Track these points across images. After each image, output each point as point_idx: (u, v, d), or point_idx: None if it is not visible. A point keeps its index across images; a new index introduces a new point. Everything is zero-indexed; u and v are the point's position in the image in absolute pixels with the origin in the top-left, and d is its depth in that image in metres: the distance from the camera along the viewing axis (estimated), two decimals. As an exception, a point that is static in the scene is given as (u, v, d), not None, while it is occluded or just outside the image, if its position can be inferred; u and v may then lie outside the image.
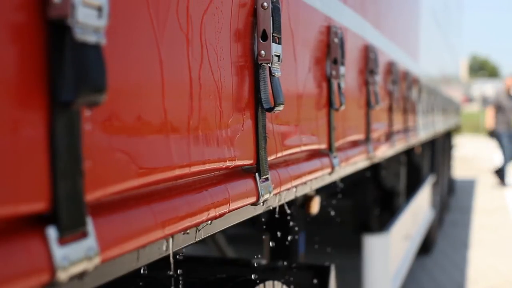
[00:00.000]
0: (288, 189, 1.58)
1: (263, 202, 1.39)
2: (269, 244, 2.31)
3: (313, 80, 1.82)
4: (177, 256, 2.11)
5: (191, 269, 2.11)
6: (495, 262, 6.44)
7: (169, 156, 1.00)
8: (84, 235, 0.77)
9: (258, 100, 1.33)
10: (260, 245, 2.47)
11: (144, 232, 0.92)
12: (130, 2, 0.90)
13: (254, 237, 2.36)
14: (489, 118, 12.65)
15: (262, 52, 1.32)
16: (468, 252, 6.89)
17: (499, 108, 12.22)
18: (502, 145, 12.20)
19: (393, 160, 4.87)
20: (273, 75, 1.36)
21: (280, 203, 1.65)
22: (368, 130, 2.66)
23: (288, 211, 2.15)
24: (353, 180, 4.76)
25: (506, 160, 12.11)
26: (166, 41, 0.99)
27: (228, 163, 1.23)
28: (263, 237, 2.46)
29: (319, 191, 2.33)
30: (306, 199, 2.36)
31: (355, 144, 2.48)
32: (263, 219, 2.42)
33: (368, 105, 2.64)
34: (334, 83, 1.97)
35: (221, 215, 1.18)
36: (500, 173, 12.26)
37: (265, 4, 1.32)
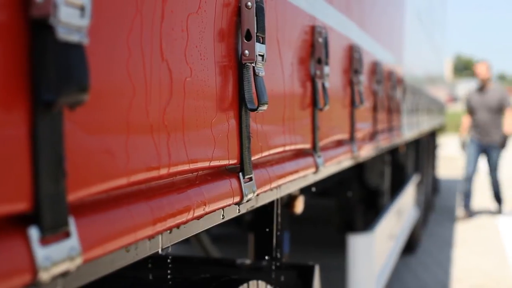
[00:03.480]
0: (272, 188, 1.59)
1: (247, 202, 1.39)
2: (253, 244, 2.32)
3: (297, 80, 1.82)
4: (161, 256, 2.11)
5: (175, 269, 2.11)
6: (478, 261, 6.49)
7: (152, 155, 1.00)
8: (66, 235, 0.77)
9: (242, 100, 1.34)
10: (244, 245, 2.47)
11: (128, 232, 0.92)
12: (113, 1, 0.90)
13: (238, 237, 2.36)
14: (464, 125, 9.67)
15: (246, 51, 1.33)
16: (452, 251, 6.94)
17: (470, 111, 9.22)
18: (470, 160, 9.09)
19: (377, 159, 4.89)
20: (257, 75, 1.36)
21: (264, 202, 1.66)
22: (352, 129, 2.67)
23: (273, 211, 2.15)
24: (338, 180, 4.78)
25: (468, 180, 9.09)
26: (150, 40, 0.99)
27: (211, 163, 1.23)
28: (248, 236, 2.46)
29: (303, 190, 2.34)
30: (291, 199, 2.37)
31: (339, 143, 2.49)
32: (247, 219, 2.42)
33: (353, 104, 2.65)
34: (319, 83, 1.98)
35: (204, 215, 1.18)
36: (465, 200, 9.13)
37: (249, 3, 1.32)
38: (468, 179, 9.04)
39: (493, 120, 8.84)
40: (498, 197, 9.19)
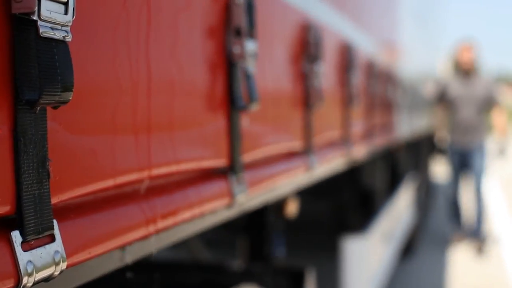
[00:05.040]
0: (264, 190, 1.58)
1: (237, 204, 1.38)
2: (244, 247, 2.32)
3: (289, 78, 1.82)
4: (151, 260, 2.10)
5: (166, 273, 2.10)
6: (475, 263, 6.50)
7: (140, 157, 1.00)
8: (50, 239, 0.77)
9: (232, 99, 1.33)
10: (236, 248, 2.47)
11: (114, 236, 0.91)
12: (98, -3, 0.89)
13: (229, 240, 2.36)
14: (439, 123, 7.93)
15: (236, 49, 1.32)
16: (449, 253, 6.95)
17: (448, 105, 7.16)
18: (452, 170, 7.25)
19: (372, 160, 4.90)
20: (248, 73, 1.36)
21: (256, 204, 1.65)
22: (346, 129, 2.67)
23: (264, 213, 2.15)
24: (332, 181, 4.77)
25: (454, 198, 7.28)
26: (137, 37, 0.98)
27: (201, 164, 1.23)
28: (239, 240, 2.46)
29: (296, 192, 2.33)
30: (283, 201, 2.37)
31: (332, 144, 2.49)
32: (238, 222, 2.42)
33: (346, 104, 2.65)
34: (311, 82, 1.98)
35: (193, 217, 1.17)
36: (455, 222, 7.37)
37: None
38: (454, 196, 7.26)
39: (479, 118, 6.93)
40: (480, 216, 7.09)
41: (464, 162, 7.07)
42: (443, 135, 7.64)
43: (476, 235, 7.02)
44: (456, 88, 6.94)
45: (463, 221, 7.32)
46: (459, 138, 7.00)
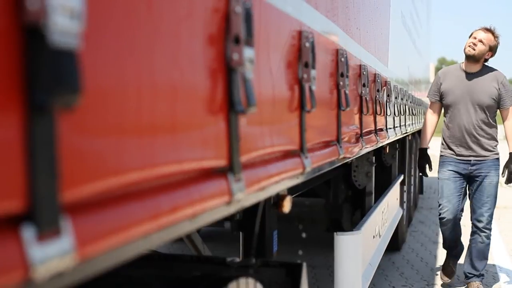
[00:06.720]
0: (261, 188, 1.59)
1: (236, 202, 1.39)
2: (242, 243, 2.32)
3: (285, 83, 1.83)
4: (153, 254, 2.11)
5: (166, 267, 2.11)
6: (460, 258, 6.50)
7: (144, 157, 1.00)
8: (60, 234, 0.78)
9: (231, 103, 1.34)
10: (235, 244, 2.47)
11: (121, 231, 0.92)
12: (105, 7, 0.90)
13: (228, 236, 2.37)
14: (427, 128, 5.27)
15: (235, 56, 1.33)
16: (436, 248, 6.96)
17: (444, 107, 5.03)
18: (443, 194, 4.91)
19: (364, 160, 4.91)
20: (246, 78, 1.37)
21: (253, 202, 1.66)
22: (338, 131, 2.68)
23: (261, 210, 2.16)
24: (325, 180, 4.78)
25: (452, 229, 5.01)
26: (141, 45, 0.99)
27: (201, 164, 1.23)
28: (238, 235, 2.47)
29: (292, 190, 2.34)
30: (279, 198, 2.38)
31: (326, 145, 2.49)
32: (237, 218, 2.43)
33: (339, 107, 2.66)
34: (306, 86, 1.99)
35: (195, 214, 1.18)
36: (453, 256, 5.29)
37: (237, 9, 1.33)
38: (452, 226, 4.99)
39: (484, 124, 4.80)
40: (483, 257, 5.04)
41: (465, 184, 4.96)
42: (428, 145, 5.40)
43: (476, 276, 5.08)
44: (453, 83, 4.88)
45: (460, 253, 5.37)
46: (458, 152, 4.89)
